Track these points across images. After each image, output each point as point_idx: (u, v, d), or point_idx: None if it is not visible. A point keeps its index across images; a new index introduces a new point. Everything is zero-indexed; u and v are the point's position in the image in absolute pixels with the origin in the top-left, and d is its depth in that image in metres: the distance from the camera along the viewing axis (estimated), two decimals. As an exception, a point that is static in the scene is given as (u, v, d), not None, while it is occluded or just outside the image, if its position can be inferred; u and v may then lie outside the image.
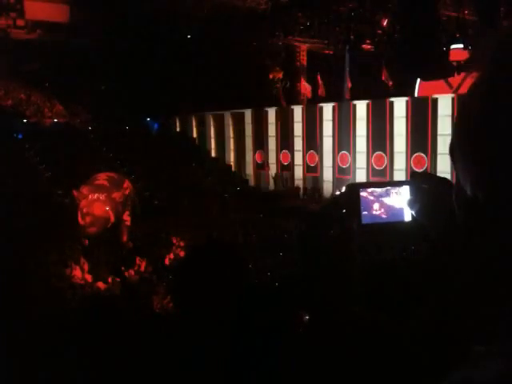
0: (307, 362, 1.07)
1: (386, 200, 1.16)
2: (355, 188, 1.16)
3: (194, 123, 39.76)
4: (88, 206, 16.70)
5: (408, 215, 1.16)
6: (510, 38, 0.70)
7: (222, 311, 1.69)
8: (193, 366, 1.68)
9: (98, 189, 17.35)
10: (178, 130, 40.88)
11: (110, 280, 13.91)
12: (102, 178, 18.23)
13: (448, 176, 1.09)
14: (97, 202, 16.86)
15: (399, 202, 1.16)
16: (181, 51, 35.16)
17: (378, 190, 1.17)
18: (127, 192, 18.48)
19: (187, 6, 30.52)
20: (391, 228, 1.20)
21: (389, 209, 1.17)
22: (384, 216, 1.16)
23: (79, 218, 16.70)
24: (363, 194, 1.15)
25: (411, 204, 1.11)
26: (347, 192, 1.16)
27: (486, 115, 0.69)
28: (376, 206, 1.16)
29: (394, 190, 1.17)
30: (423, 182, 1.09)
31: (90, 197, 16.93)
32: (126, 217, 18.26)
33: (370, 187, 1.17)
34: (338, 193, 1.19)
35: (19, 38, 34.00)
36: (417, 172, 1.20)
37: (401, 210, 1.16)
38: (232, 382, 1.66)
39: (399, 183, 1.17)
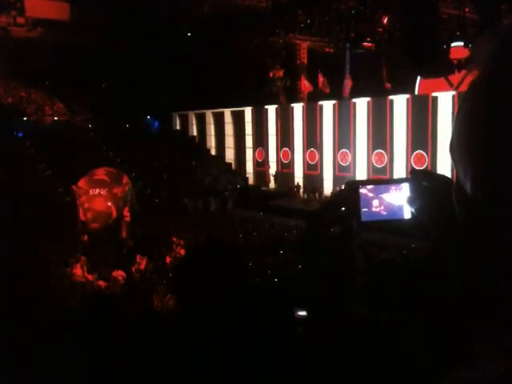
0: (307, 361, 1.06)
1: (386, 197, 1.16)
2: (354, 185, 1.16)
3: (194, 121, 39.72)
4: (89, 201, 16.61)
5: (408, 213, 1.16)
6: (511, 36, 0.69)
7: (222, 311, 1.69)
8: (193, 365, 1.68)
9: (99, 184, 17.21)
10: (178, 128, 40.84)
11: (110, 278, 13.90)
12: (101, 173, 18.09)
13: (448, 174, 1.09)
14: (98, 198, 16.76)
15: (399, 199, 1.16)
16: (181, 51, 35.14)
17: (378, 186, 1.17)
18: (127, 188, 18.43)
19: (187, 5, 30.50)
20: (391, 225, 1.20)
21: (388, 206, 1.16)
22: (383, 213, 1.16)
23: (80, 214, 16.60)
24: (362, 190, 1.15)
25: (411, 202, 1.10)
26: (346, 189, 1.16)
27: (486, 114, 0.68)
28: (375, 202, 1.16)
29: (393, 188, 1.17)
30: (423, 180, 1.09)
31: (90, 192, 16.82)
32: (126, 212, 18.21)
33: (369, 184, 1.17)
34: (337, 190, 1.19)
35: (20, 36, 34.03)
36: (417, 169, 1.20)
37: (400, 208, 1.16)
38: (232, 382, 1.66)
39: (399, 180, 1.17)
